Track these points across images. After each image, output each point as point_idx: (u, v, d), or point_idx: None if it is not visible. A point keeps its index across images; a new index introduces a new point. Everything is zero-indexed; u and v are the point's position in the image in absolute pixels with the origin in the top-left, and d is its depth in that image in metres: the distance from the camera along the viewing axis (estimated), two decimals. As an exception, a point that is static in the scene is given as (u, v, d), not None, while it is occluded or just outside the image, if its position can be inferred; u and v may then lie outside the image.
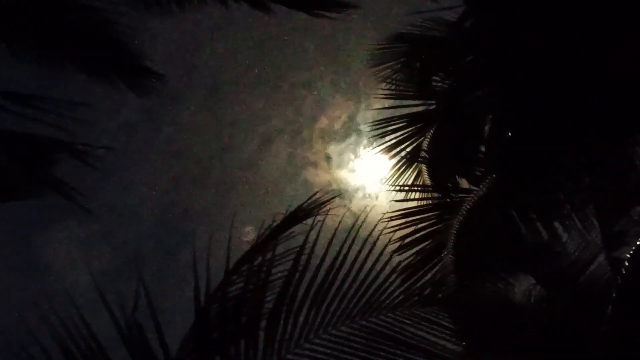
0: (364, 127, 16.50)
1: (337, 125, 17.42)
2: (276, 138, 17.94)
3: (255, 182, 17.81)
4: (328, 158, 17.28)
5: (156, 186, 18.27)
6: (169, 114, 17.76)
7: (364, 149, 15.51)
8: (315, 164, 17.55)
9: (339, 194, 5.83)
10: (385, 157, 9.43)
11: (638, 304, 7.70)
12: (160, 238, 18.10)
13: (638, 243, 7.77)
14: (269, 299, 5.35)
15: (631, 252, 7.85)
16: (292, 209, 5.48)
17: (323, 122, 17.61)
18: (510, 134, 8.29)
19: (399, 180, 9.28)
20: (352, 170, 16.61)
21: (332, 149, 17.30)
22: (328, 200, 5.63)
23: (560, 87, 7.71)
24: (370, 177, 14.44)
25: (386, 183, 9.34)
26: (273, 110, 17.94)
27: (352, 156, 16.84)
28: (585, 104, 7.66)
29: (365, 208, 5.49)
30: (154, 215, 18.23)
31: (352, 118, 17.27)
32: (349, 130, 17.26)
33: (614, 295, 7.85)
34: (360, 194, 16.31)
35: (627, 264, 7.78)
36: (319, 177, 17.20)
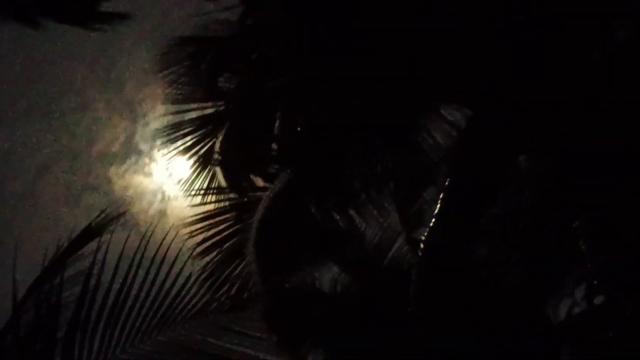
0: (144, 146, 16.25)
1: (116, 147, 16.96)
2: (52, 166, 17.28)
3: (35, 213, 17.05)
4: (108, 180, 16.83)
5: None
6: None
7: (158, 151, 15.26)
8: (96, 188, 17.03)
9: (126, 210, 5.71)
10: (181, 159, 9.33)
11: (438, 281, 7.94)
12: None
13: (431, 222, 8.01)
14: (64, 323, 5.22)
15: (426, 231, 8.09)
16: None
17: (101, 145, 17.12)
18: (299, 129, 8.36)
19: (195, 184, 9.18)
20: (149, 175, 16.29)
21: (113, 170, 16.87)
22: (116, 217, 5.54)
23: (345, 78, 7.83)
24: (168, 179, 14.20)
25: (183, 187, 9.23)
26: (46, 139, 17.30)
27: (147, 160, 16.49)
28: (369, 92, 7.82)
29: (152, 223, 5.42)
30: None
31: (130, 137, 16.85)
32: (129, 150, 16.83)
33: (415, 274, 8.06)
34: (159, 197, 16.03)
35: (422, 244, 8.02)
36: (101, 201, 16.70)
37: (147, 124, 16.01)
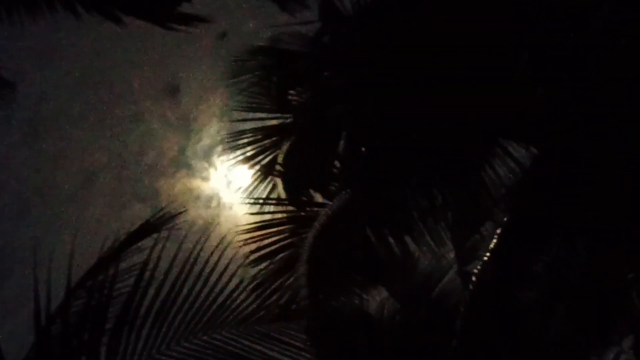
0: (195, 161, 16.24)
1: (166, 160, 16.96)
2: (100, 173, 17.31)
3: (78, 218, 17.05)
4: (155, 192, 16.83)
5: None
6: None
7: (219, 157, 15.25)
8: (143, 199, 16.99)
9: (185, 210, 5.77)
10: (241, 167, 9.38)
11: (485, 318, 7.87)
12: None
13: (485, 257, 7.95)
14: (113, 315, 5.27)
15: (478, 266, 8.04)
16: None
17: (151, 156, 17.11)
18: (364, 150, 8.36)
19: (254, 193, 9.23)
20: (207, 179, 16.30)
21: (161, 182, 16.86)
22: (175, 215, 5.60)
23: (414, 107, 7.82)
24: (225, 186, 14.22)
25: (241, 194, 9.28)
26: (97, 145, 17.33)
27: (206, 165, 16.50)
28: (438, 124, 7.81)
29: (214, 220, 5.47)
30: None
31: (182, 151, 16.85)
32: (179, 163, 16.81)
33: (462, 309, 8.01)
34: (214, 203, 16.04)
35: (474, 278, 7.96)
36: (146, 211, 16.59)
37: (200, 139, 16.07)
